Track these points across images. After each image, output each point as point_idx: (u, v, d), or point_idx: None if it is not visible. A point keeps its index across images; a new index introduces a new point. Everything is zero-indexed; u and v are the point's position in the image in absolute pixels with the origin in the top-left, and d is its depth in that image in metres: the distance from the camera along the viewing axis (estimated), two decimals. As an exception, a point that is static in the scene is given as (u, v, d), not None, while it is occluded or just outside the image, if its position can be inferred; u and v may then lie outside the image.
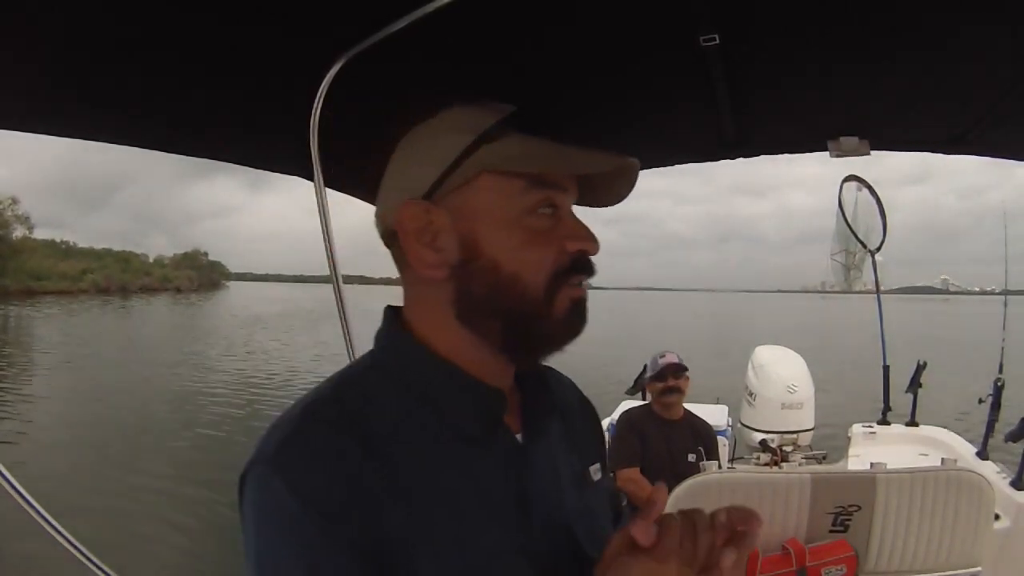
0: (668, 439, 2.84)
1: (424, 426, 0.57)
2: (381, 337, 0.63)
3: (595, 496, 0.69)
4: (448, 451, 0.57)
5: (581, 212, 0.64)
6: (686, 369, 2.94)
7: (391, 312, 0.64)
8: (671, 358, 2.94)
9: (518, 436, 0.62)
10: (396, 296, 0.65)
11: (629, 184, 0.64)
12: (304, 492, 0.50)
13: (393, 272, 0.65)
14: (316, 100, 1.02)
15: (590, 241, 0.60)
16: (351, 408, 0.56)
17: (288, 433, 0.54)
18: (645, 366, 3.09)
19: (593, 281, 0.65)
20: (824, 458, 3.94)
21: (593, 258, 0.61)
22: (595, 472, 0.71)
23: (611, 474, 0.80)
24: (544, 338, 0.60)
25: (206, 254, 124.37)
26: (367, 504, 0.51)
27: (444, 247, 0.58)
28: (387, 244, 0.63)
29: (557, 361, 0.67)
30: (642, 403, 3.17)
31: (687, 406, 3.01)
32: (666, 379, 2.87)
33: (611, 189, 0.64)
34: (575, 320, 0.60)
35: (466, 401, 0.59)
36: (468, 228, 0.58)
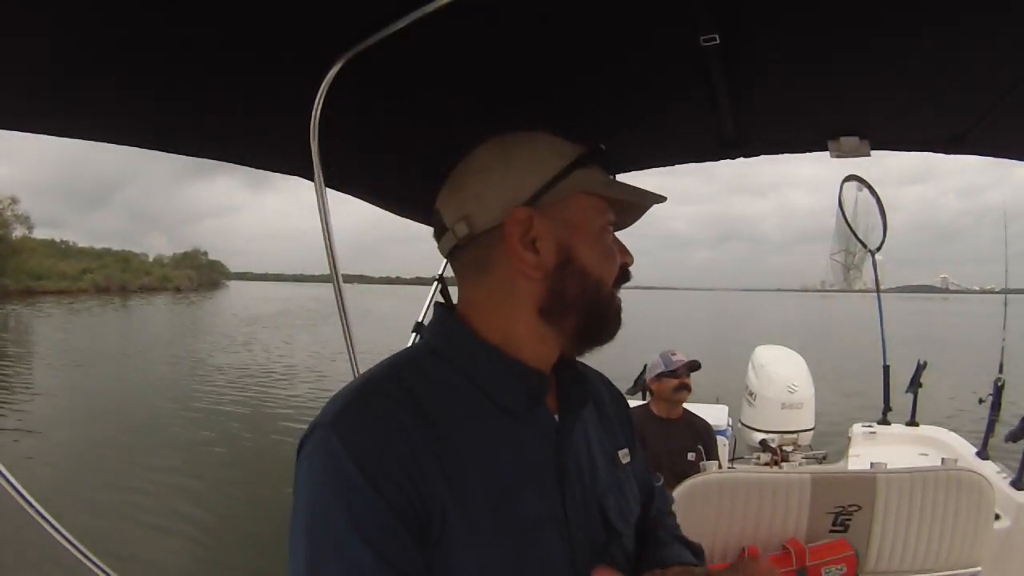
0: (668, 439, 2.84)
1: (473, 401, 0.64)
2: (435, 327, 0.72)
3: (625, 477, 0.77)
4: (493, 424, 0.64)
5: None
6: (700, 366, 2.97)
7: (442, 307, 0.73)
8: (682, 356, 2.95)
9: (556, 416, 0.70)
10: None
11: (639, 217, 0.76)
12: (360, 454, 0.56)
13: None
14: (316, 100, 1.02)
15: (630, 256, 0.72)
16: (408, 383, 0.63)
17: (349, 401, 0.61)
18: (645, 366, 3.08)
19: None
20: (824, 458, 3.94)
21: None
22: (624, 456, 0.79)
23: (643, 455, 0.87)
24: (606, 333, 0.70)
25: (205, 253, 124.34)
26: (415, 470, 0.57)
27: (542, 251, 0.65)
28: (463, 243, 0.68)
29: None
30: (640, 403, 3.16)
31: (686, 405, 3.01)
32: (681, 376, 2.88)
33: (633, 218, 0.75)
34: (619, 322, 0.71)
35: (511, 380, 0.66)
36: (566, 237, 0.66)
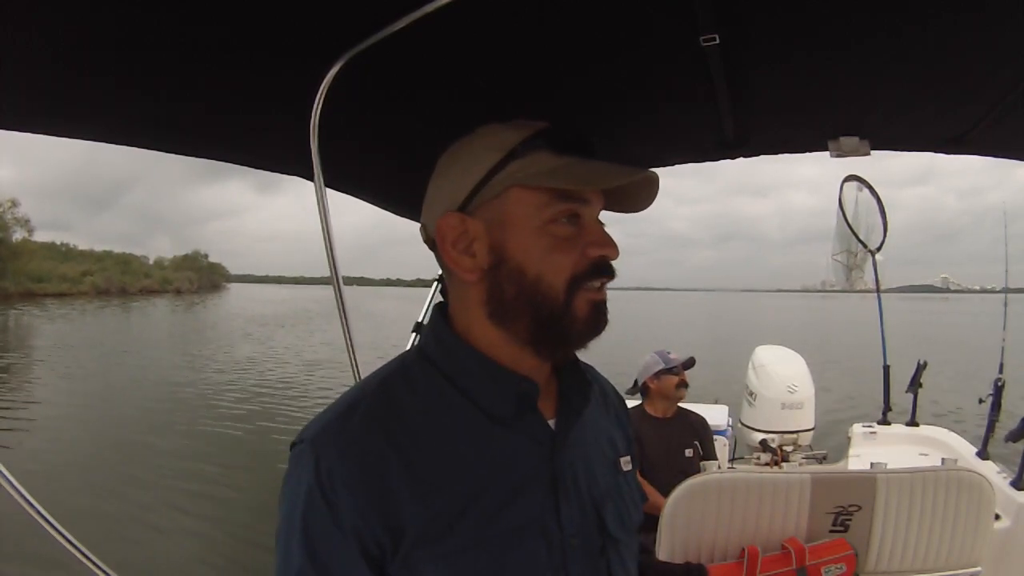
0: (665, 437, 2.84)
1: (460, 410, 0.64)
2: (428, 330, 0.71)
3: (626, 483, 0.75)
4: (480, 432, 0.64)
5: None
6: (695, 363, 2.99)
7: (438, 308, 0.72)
8: (677, 355, 2.96)
9: (551, 422, 0.68)
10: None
11: (650, 194, 0.69)
12: (328, 475, 0.58)
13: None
14: (316, 100, 1.02)
15: (609, 247, 0.65)
16: (395, 397, 0.64)
17: (330, 419, 0.62)
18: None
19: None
20: (824, 458, 3.94)
21: (614, 263, 0.66)
22: (625, 463, 0.77)
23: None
24: (567, 335, 0.65)
25: (206, 256, 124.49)
26: (381, 491, 0.59)
27: (477, 253, 0.65)
28: (432, 250, 0.71)
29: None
30: (635, 404, 3.15)
31: (682, 403, 3.01)
32: (680, 373, 2.89)
33: (634, 198, 0.69)
34: (595, 320, 0.65)
35: (496, 387, 0.65)
36: (498, 236, 0.64)
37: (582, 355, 0.80)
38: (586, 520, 0.67)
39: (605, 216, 0.73)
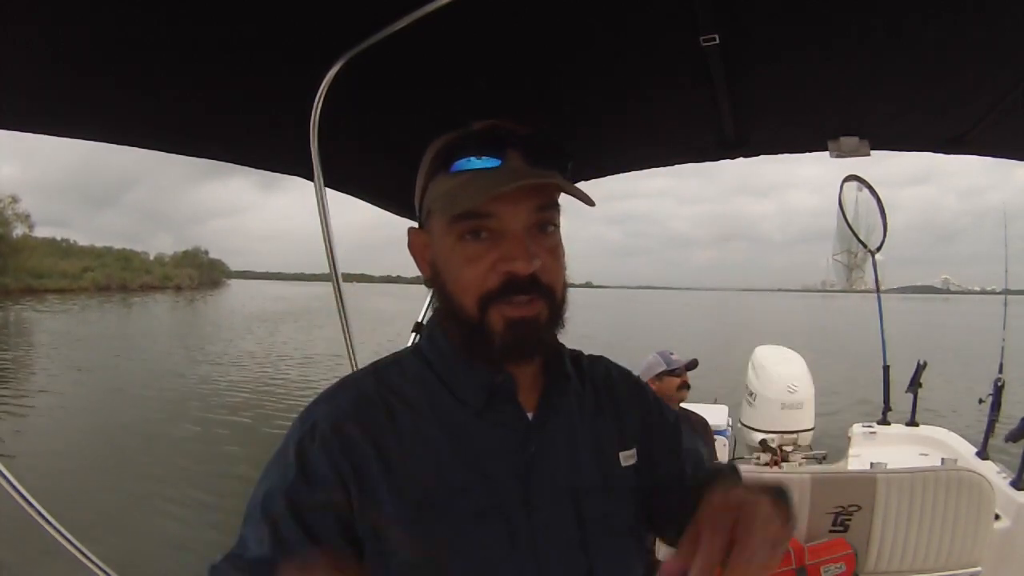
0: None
1: (440, 399, 0.68)
2: (426, 329, 0.76)
3: (623, 479, 0.74)
4: (456, 420, 0.67)
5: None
6: (698, 364, 2.99)
7: (437, 311, 0.75)
8: (679, 355, 2.95)
9: (529, 415, 0.70)
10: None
11: (578, 196, 0.66)
12: (311, 432, 0.65)
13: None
14: (316, 100, 1.03)
15: (520, 262, 0.63)
16: (385, 381, 0.69)
17: (328, 392, 0.70)
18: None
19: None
20: (824, 458, 3.94)
21: (539, 271, 0.64)
22: (627, 458, 0.75)
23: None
24: (490, 349, 0.66)
25: (207, 252, 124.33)
26: (355, 461, 0.63)
27: (431, 263, 0.70)
28: None
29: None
30: None
31: (684, 404, 3.01)
32: (682, 374, 2.89)
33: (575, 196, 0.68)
34: (512, 336, 0.65)
35: (472, 379, 0.69)
36: (433, 251, 0.69)
37: (587, 348, 0.81)
38: (561, 512, 0.68)
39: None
